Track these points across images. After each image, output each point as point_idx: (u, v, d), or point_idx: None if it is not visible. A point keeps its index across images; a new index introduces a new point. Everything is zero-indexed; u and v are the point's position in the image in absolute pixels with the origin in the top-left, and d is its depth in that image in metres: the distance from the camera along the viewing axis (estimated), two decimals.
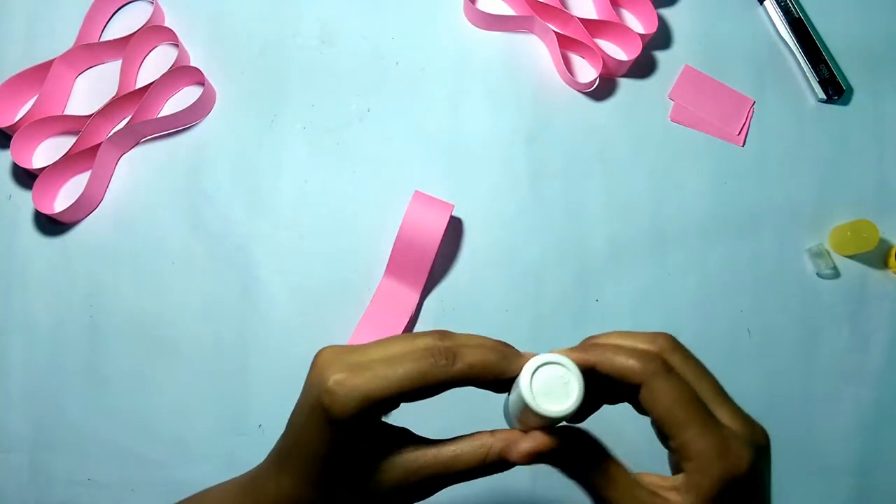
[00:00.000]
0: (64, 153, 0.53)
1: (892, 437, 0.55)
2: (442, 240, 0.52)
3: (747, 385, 0.55)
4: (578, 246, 0.55)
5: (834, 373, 0.56)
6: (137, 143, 0.56)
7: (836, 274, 0.57)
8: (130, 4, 0.58)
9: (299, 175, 0.56)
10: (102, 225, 0.55)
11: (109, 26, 0.58)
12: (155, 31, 0.56)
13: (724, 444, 0.29)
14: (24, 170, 0.54)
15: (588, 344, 0.32)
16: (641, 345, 0.31)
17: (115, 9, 0.58)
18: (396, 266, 0.52)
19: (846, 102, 0.60)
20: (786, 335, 0.56)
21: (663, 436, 0.31)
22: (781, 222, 0.58)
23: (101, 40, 0.57)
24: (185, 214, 0.55)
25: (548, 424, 0.30)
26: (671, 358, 0.31)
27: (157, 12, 0.56)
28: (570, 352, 0.32)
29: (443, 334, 0.34)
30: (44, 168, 0.52)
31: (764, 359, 0.55)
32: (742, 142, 0.58)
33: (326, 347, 0.32)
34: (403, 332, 0.52)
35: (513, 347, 0.34)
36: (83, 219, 0.55)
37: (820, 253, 0.56)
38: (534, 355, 0.31)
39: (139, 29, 0.55)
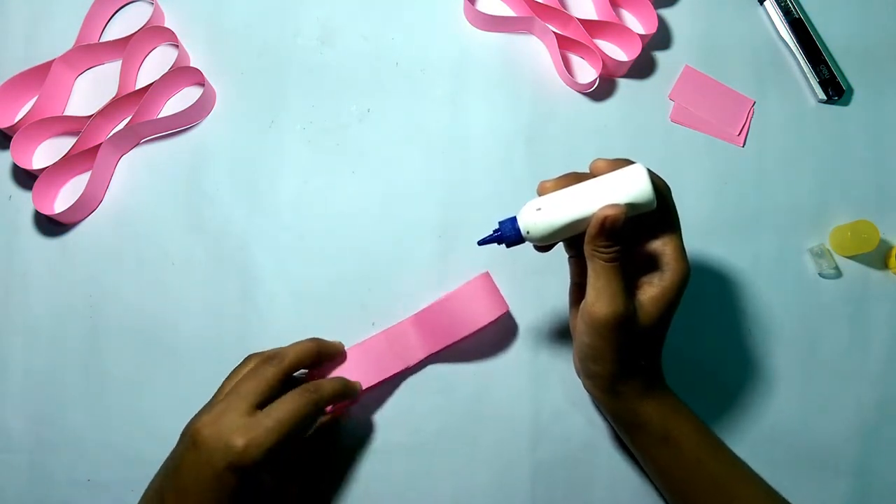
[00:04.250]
0: (64, 154, 0.53)
1: (892, 437, 0.55)
2: (476, 332, 0.51)
3: (748, 385, 0.55)
4: None
5: (834, 373, 0.56)
6: (137, 144, 0.56)
7: (838, 274, 0.57)
8: (130, 5, 0.58)
9: (299, 175, 0.56)
10: (102, 225, 0.55)
11: (109, 27, 0.58)
12: (155, 32, 0.56)
13: (686, 257, 0.43)
14: (24, 170, 0.54)
15: (622, 160, 0.43)
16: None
17: (115, 9, 0.58)
18: (423, 320, 0.52)
19: (846, 103, 0.60)
20: (786, 335, 0.56)
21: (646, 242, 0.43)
22: (782, 222, 0.58)
23: (101, 41, 0.57)
24: (185, 215, 0.55)
25: (630, 214, 0.40)
26: None
27: (157, 13, 0.56)
28: (622, 162, 0.43)
29: (280, 356, 0.46)
30: (44, 169, 0.52)
31: (764, 359, 0.55)
32: (742, 142, 0.58)
33: (198, 421, 0.42)
34: (392, 377, 0.51)
35: (324, 342, 0.50)
36: (83, 219, 0.55)
37: (821, 253, 0.56)
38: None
39: (139, 29, 0.55)
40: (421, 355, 0.52)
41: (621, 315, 0.41)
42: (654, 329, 0.43)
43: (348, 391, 0.48)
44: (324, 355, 0.49)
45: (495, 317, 0.51)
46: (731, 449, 0.48)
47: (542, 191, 0.43)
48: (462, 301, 0.51)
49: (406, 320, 0.52)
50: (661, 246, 0.43)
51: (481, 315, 0.51)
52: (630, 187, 0.40)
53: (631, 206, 0.40)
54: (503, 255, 0.55)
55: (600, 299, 0.41)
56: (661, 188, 0.42)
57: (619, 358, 0.43)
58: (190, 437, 0.42)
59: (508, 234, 0.43)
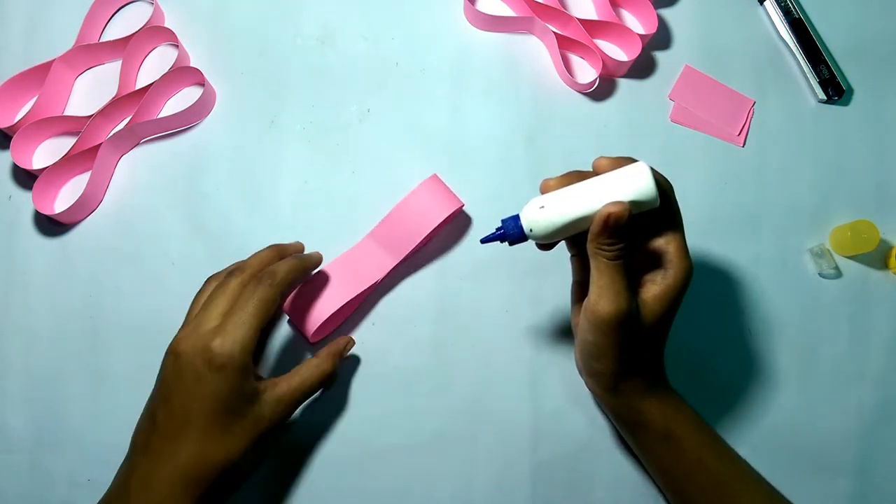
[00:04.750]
0: (64, 154, 0.53)
1: (893, 437, 0.55)
2: (438, 230, 0.52)
3: (748, 385, 0.55)
4: None
5: (834, 373, 0.56)
6: (137, 144, 0.56)
7: (838, 274, 0.57)
8: (130, 5, 0.58)
9: (299, 175, 0.56)
10: (102, 225, 0.55)
11: (109, 27, 0.58)
12: (155, 32, 0.56)
13: (688, 255, 0.44)
14: (24, 170, 0.54)
15: (626, 158, 0.43)
16: None
17: (115, 9, 0.58)
18: (383, 232, 0.52)
19: (846, 103, 0.60)
20: (786, 335, 0.56)
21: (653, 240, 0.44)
22: (782, 222, 0.58)
23: (101, 41, 0.57)
24: (185, 215, 0.55)
25: (634, 211, 0.41)
26: None
27: (157, 13, 0.56)
28: (625, 160, 0.43)
29: (241, 268, 0.47)
30: (44, 169, 0.52)
31: (764, 359, 0.55)
32: (742, 142, 0.58)
33: (177, 337, 0.43)
34: (366, 291, 0.52)
35: (283, 245, 0.51)
36: (83, 219, 0.55)
37: (821, 253, 0.56)
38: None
39: (139, 29, 0.55)
40: (391, 264, 0.52)
41: (624, 313, 0.41)
42: (657, 327, 0.43)
43: (306, 264, 0.48)
44: (305, 267, 0.49)
45: (449, 211, 0.52)
46: (733, 448, 0.48)
47: (544, 188, 0.43)
48: (416, 204, 0.52)
49: (366, 237, 0.53)
50: (664, 244, 0.43)
51: (438, 213, 0.51)
52: (633, 185, 0.40)
53: (634, 204, 0.40)
54: (504, 254, 0.55)
55: (603, 297, 0.41)
56: (664, 186, 0.43)
57: (621, 356, 0.43)
58: (171, 353, 0.43)
59: (511, 231, 0.43)
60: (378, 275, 0.52)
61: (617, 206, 0.39)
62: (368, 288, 0.52)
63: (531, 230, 0.42)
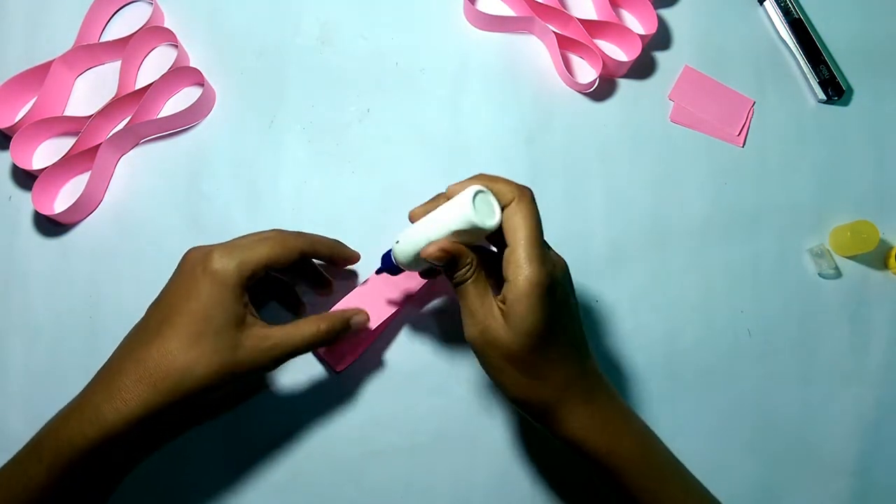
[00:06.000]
0: (64, 154, 0.53)
1: (892, 437, 0.55)
2: None
3: (747, 385, 0.55)
4: (578, 246, 0.55)
5: (834, 373, 0.56)
6: (137, 144, 0.56)
7: (837, 274, 0.57)
8: (130, 5, 0.58)
9: (299, 175, 0.56)
10: (102, 225, 0.55)
11: (109, 27, 0.58)
12: (154, 32, 0.56)
13: (540, 258, 0.38)
14: (24, 171, 0.54)
15: (479, 175, 0.41)
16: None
17: (115, 9, 0.58)
18: None
19: (846, 103, 0.60)
20: (786, 335, 0.56)
21: (501, 247, 0.40)
22: (781, 223, 0.58)
23: (101, 41, 0.57)
24: (184, 215, 0.55)
25: (464, 240, 0.40)
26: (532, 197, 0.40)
27: (156, 13, 0.56)
28: (471, 182, 0.40)
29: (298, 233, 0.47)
30: (43, 169, 0.52)
31: (764, 359, 0.55)
32: (742, 142, 0.58)
33: (197, 246, 0.44)
34: (390, 318, 0.51)
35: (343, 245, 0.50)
36: (83, 219, 0.55)
37: (821, 253, 0.56)
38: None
39: (139, 29, 0.55)
40: (414, 289, 0.51)
41: (474, 336, 0.40)
42: (531, 350, 0.39)
43: (341, 247, 0.49)
44: (340, 256, 0.49)
45: None
46: (667, 460, 0.44)
47: (411, 217, 0.43)
48: None
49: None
50: (506, 257, 0.39)
51: None
52: (454, 215, 0.39)
53: (462, 233, 0.39)
54: None
55: (463, 320, 0.41)
56: (509, 198, 0.39)
57: (497, 379, 0.41)
58: (183, 257, 0.44)
59: (388, 264, 0.45)
60: (402, 301, 0.51)
61: (431, 246, 0.39)
62: (392, 314, 0.51)
63: (399, 262, 0.43)
